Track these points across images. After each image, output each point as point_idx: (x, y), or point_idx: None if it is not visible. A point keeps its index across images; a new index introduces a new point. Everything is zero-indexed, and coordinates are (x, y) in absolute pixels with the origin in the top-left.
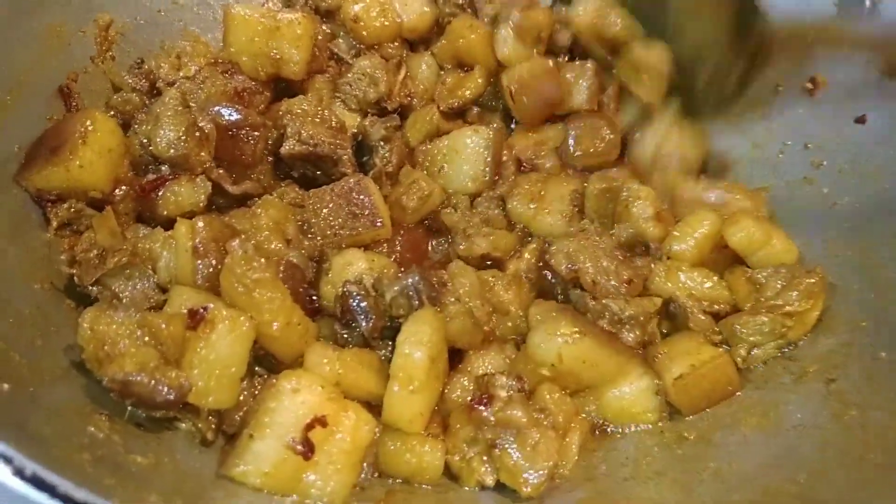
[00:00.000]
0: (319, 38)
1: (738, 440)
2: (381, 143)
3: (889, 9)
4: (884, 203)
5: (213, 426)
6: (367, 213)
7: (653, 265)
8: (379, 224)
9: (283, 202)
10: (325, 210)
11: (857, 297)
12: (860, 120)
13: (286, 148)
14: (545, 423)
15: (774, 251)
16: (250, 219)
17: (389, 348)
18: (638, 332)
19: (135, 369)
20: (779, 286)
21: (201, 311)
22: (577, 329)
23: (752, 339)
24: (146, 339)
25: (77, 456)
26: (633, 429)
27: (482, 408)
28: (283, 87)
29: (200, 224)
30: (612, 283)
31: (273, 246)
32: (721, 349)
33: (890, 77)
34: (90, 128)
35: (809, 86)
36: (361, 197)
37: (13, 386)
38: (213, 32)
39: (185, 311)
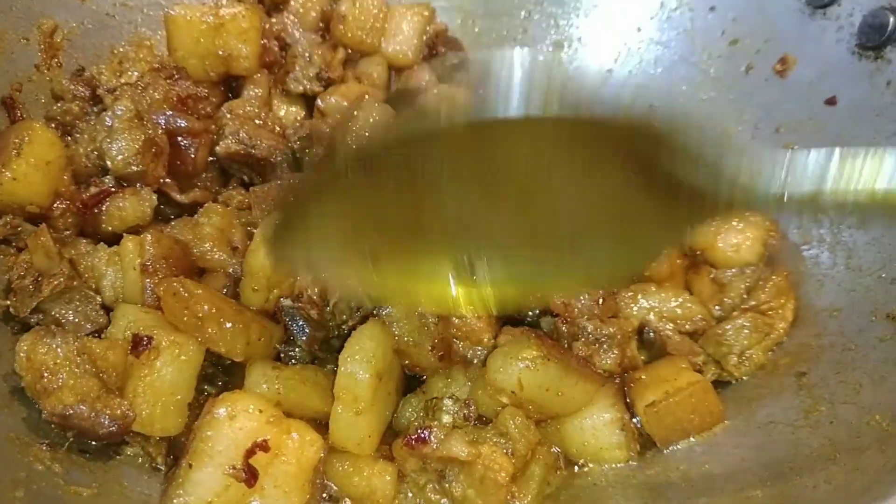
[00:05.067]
0: (266, 27)
1: (709, 440)
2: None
3: None
4: None
5: (163, 451)
6: None
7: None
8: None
9: (229, 208)
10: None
11: (832, 283)
12: (830, 101)
13: (222, 146)
14: (504, 450)
15: (734, 246)
16: (192, 228)
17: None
18: (616, 353)
19: (74, 401)
20: (743, 287)
21: (145, 339)
22: (540, 353)
23: (739, 343)
24: (86, 366)
25: (9, 494)
26: (603, 467)
27: (419, 444)
28: (235, 86)
29: (149, 239)
30: (584, 302)
31: (217, 256)
32: (699, 377)
33: None
34: (26, 139)
35: (780, 67)
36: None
37: None
38: (164, 31)
39: (128, 337)
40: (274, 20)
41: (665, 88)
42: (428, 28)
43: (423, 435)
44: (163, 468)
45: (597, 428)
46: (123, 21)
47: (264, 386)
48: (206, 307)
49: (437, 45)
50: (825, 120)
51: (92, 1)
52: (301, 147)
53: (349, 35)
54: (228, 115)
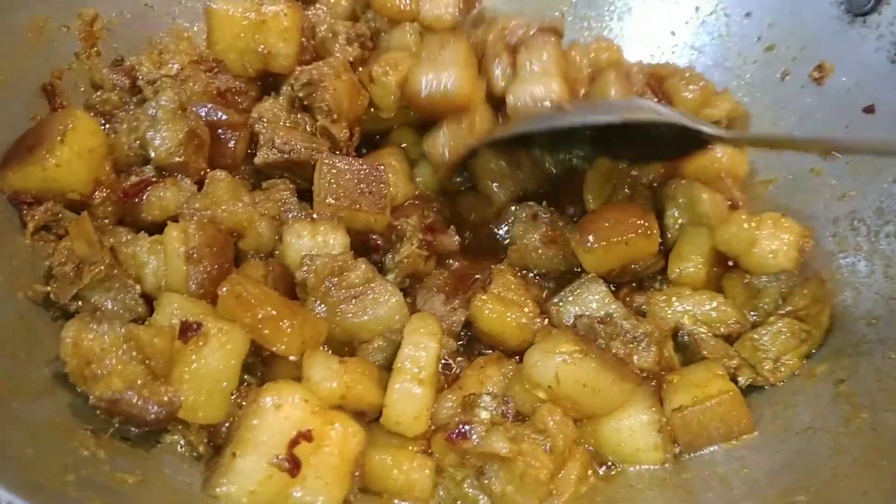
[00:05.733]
0: (304, 25)
1: (747, 444)
2: None
3: None
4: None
5: (204, 439)
6: (378, 197)
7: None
8: (380, 209)
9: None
10: (334, 179)
11: (870, 291)
12: (868, 109)
13: (261, 158)
14: (543, 447)
15: (770, 251)
16: (202, 199)
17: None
18: (654, 350)
19: (123, 388)
20: (778, 293)
21: (195, 325)
22: (578, 348)
23: (774, 349)
24: (133, 353)
25: (60, 478)
26: (638, 468)
27: (460, 439)
28: (271, 82)
29: (193, 228)
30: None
31: (237, 209)
32: (731, 386)
33: None
34: (70, 127)
35: (816, 74)
36: (381, 185)
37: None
38: (202, 23)
39: (176, 323)
40: (309, 13)
41: None
42: None
43: (464, 430)
44: (203, 456)
45: (634, 429)
46: (161, 12)
47: (332, 382)
48: (268, 309)
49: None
50: (863, 128)
51: None
52: (306, 94)
53: (388, 6)
54: (260, 122)
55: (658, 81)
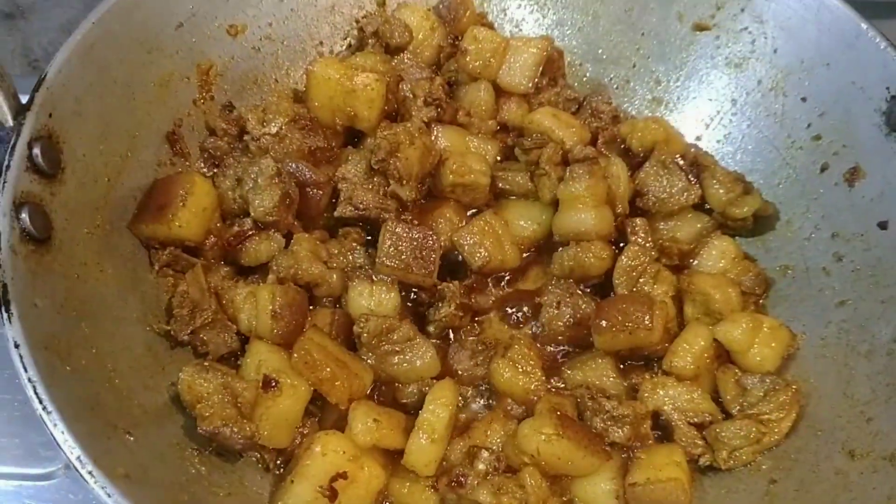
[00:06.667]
0: (389, 80)
1: None
2: None
3: None
4: (884, 314)
5: (275, 458)
6: (427, 263)
7: (645, 377)
8: (428, 273)
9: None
10: (393, 244)
11: (828, 403)
12: (882, 225)
13: (339, 211)
14: (519, 501)
15: (760, 356)
16: (287, 258)
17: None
18: (627, 430)
19: (220, 424)
20: (761, 394)
21: (273, 382)
22: (556, 432)
23: (732, 443)
24: (228, 398)
25: (180, 496)
26: None
27: (457, 486)
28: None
29: (279, 292)
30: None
31: (314, 269)
32: (680, 474)
33: None
34: (190, 191)
35: (849, 175)
36: (431, 253)
37: (137, 436)
38: (300, 62)
39: (261, 376)
40: (395, 60)
41: (747, 164)
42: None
43: (461, 480)
44: (272, 470)
45: (597, 493)
46: (266, 53)
47: (367, 436)
48: (326, 371)
49: (557, 77)
50: (872, 241)
51: (242, 37)
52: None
53: (470, 66)
54: (343, 181)
55: (698, 169)
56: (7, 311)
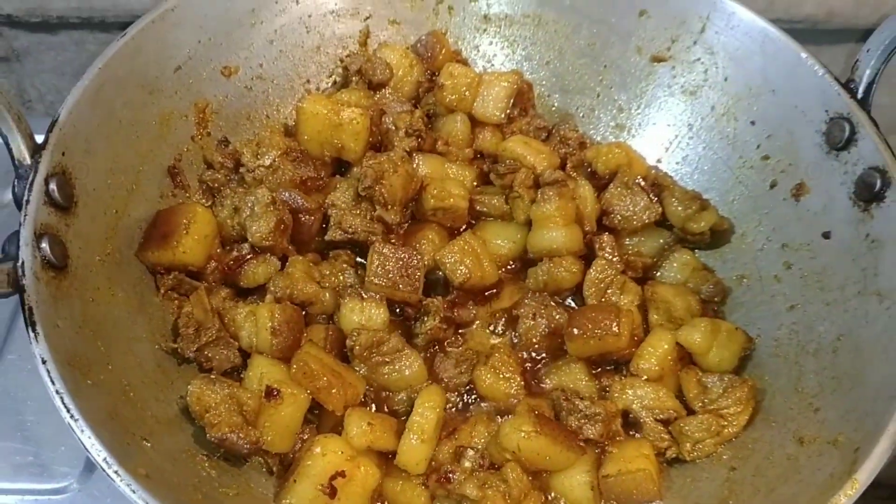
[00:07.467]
0: (372, 113)
1: None
2: None
3: None
4: (829, 315)
5: (277, 461)
6: (413, 281)
7: (615, 378)
8: (413, 290)
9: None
10: (381, 264)
11: (781, 397)
12: (826, 235)
13: (329, 235)
14: (503, 494)
15: (718, 358)
16: (283, 279)
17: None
18: (599, 427)
19: (227, 431)
20: (720, 391)
21: (275, 391)
22: (534, 429)
23: (695, 436)
24: (234, 407)
25: (194, 495)
26: None
27: (445, 482)
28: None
29: (277, 311)
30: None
31: (308, 289)
32: (648, 465)
33: None
34: (192, 219)
35: (796, 191)
36: (416, 271)
37: (153, 442)
38: (289, 98)
39: (264, 387)
40: (378, 96)
41: (704, 184)
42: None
43: (449, 476)
44: (275, 473)
45: (573, 485)
46: (258, 91)
47: (362, 439)
48: (323, 380)
49: (527, 107)
50: (817, 250)
51: (236, 77)
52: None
53: (447, 99)
54: (332, 208)
55: (658, 189)
56: (34, 331)
